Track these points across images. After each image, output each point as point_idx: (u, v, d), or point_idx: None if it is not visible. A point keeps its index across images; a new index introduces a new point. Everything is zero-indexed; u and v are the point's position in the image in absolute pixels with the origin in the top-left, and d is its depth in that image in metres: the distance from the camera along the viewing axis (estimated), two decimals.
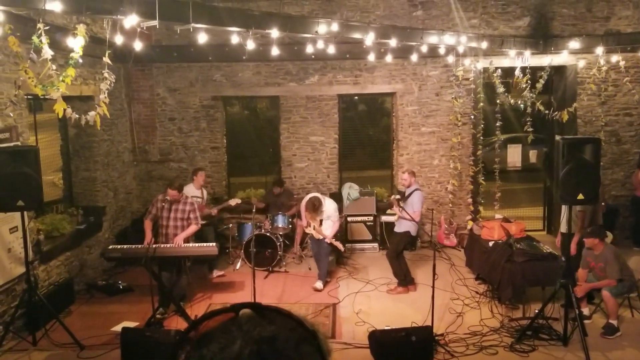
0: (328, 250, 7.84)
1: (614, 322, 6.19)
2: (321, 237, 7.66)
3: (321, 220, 7.76)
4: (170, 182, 7.33)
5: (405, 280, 7.60)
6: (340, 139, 10.00)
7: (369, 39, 7.35)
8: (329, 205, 7.82)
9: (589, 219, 7.02)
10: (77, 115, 5.66)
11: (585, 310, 6.54)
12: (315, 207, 7.57)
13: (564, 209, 6.36)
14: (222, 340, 0.78)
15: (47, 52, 4.93)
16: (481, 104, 9.73)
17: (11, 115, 6.16)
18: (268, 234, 8.38)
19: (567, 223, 6.06)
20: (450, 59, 9.28)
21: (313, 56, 8.55)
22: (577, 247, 6.71)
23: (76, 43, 5.21)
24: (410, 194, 7.46)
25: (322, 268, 7.80)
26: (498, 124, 9.74)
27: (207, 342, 0.79)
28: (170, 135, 9.88)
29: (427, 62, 9.61)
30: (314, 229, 7.65)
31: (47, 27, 4.92)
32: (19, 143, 6.25)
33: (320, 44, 7.53)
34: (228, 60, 9.47)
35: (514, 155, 10.42)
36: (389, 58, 8.76)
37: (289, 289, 7.82)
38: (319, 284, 7.72)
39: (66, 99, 5.54)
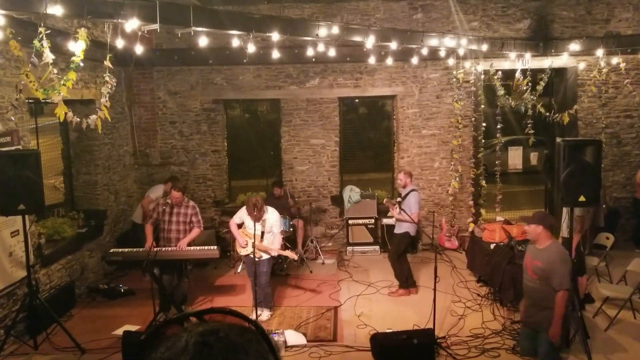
0: (269, 272, 6.89)
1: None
2: (261, 257, 6.68)
3: (262, 235, 6.73)
4: (174, 183, 7.28)
5: (406, 282, 7.60)
6: (341, 141, 10.01)
7: (370, 42, 7.36)
8: (272, 214, 6.82)
9: (590, 220, 7.01)
10: (78, 119, 5.66)
11: None
12: (256, 206, 6.46)
13: (565, 212, 6.34)
14: (168, 343, 0.82)
15: (48, 56, 4.94)
16: (482, 106, 9.74)
17: (12, 119, 6.17)
18: None
19: (567, 227, 6.04)
20: (451, 61, 9.29)
21: (314, 59, 8.57)
22: (575, 251, 6.68)
23: (77, 47, 5.22)
24: (406, 195, 7.46)
25: (265, 295, 6.83)
26: (499, 126, 9.73)
27: (154, 349, 0.83)
28: (171, 138, 9.89)
29: (428, 65, 9.62)
30: (253, 246, 6.48)
31: (48, 31, 4.93)
32: (20, 147, 6.26)
33: (320, 47, 7.54)
34: (229, 64, 9.49)
35: (514, 158, 10.43)
36: (389, 61, 8.77)
37: (290, 292, 7.81)
38: (266, 314, 6.83)
39: (67, 102, 5.55)
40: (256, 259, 6.56)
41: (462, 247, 9.52)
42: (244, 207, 6.82)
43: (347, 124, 10.27)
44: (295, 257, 7.43)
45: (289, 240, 8.95)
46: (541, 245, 4.97)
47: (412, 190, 7.52)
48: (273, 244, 6.79)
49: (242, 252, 6.91)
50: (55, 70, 5.10)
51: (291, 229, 8.79)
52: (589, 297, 7.02)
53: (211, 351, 0.78)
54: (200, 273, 8.49)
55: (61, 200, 8.29)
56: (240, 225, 7.00)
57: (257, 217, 6.51)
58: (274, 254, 6.88)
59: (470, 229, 9.30)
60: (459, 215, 9.98)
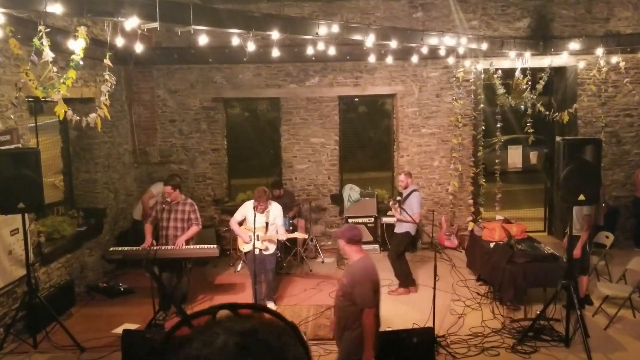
0: (274, 265, 7.06)
1: None
2: (267, 250, 6.80)
3: (267, 226, 6.82)
4: (166, 179, 7.28)
5: (406, 281, 7.60)
6: (340, 140, 10.00)
7: (369, 40, 7.35)
8: (275, 206, 6.95)
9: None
10: (77, 118, 5.66)
11: None
12: (265, 193, 6.67)
13: (575, 211, 6.33)
14: (204, 337, 0.79)
15: (48, 55, 4.93)
16: (481, 105, 9.74)
17: (12, 117, 6.17)
18: None
19: (573, 224, 6.03)
20: (451, 60, 9.29)
21: (313, 58, 8.56)
22: (581, 250, 6.68)
23: (77, 45, 5.21)
24: (408, 195, 7.46)
25: (271, 288, 7.09)
26: (498, 125, 9.74)
27: (188, 343, 0.79)
28: (170, 137, 9.88)
29: (428, 64, 9.61)
30: (258, 238, 6.58)
31: (48, 30, 4.92)
32: (19, 145, 6.26)
33: (320, 46, 7.54)
34: (228, 62, 9.48)
35: (514, 157, 10.43)
36: (389, 60, 8.77)
37: (290, 291, 7.81)
38: (271, 305, 6.91)
39: (67, 101, 5.54)
40: (263, 253, 6.66)
41: (461, 246, 9.53)
42: (245, 204, 6.93)
43: (347, 123, 10.27)
44: (306, 236, 7.63)
45: (288, 239, 8.94)
46: (351, 260, 4.63)
47: (414, 190, 7.51)
48: (278, 232, 6.92)
49: (246, 248, 6.86)
50: (55, 69, 5.09)
51: (291, 228, 8.78)
52: (588, 298, 7.01)
53: (249, 353, 0.77)
54: (200, 271, 8.49)
55: (61, 199, 8.29)
56: (241, 223, 7.00)
57: (263, 207, 6.63)
58: (283, 238, 7.04)
59: (469, 228, 9.30)
60: (459, 214, 9.98)
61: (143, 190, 9.00)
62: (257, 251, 6.60)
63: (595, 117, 9.70)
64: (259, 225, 6.64)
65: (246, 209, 6.85)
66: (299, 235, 7.59)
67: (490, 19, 9.53)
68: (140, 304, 7.09)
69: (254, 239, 6.57)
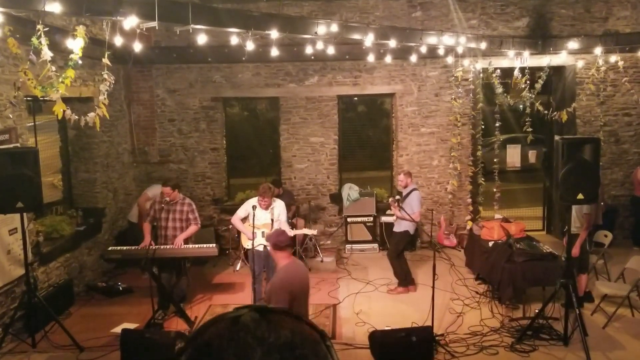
0: None
1: None
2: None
3: (272, 223, 6.82)
4: (164, 180, 7.27)
5: (405, 280, 7.60)
6: (340, 139, 10.01)
7: (369, 39, 7.35)
8: (279, 203, 6.94)
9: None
10: (76, 117, 5.65)
11: None
12: (270, 189, 6.69)
13: (574, 209, 6.34)
14: (236, 348, 0.72)
15: (47, 54, 4.93)
16: (480, 104, 9.75)
17: (11, 116, 6.16)
18: None
19: (573, 222, 6.03)
20: (450, 59, 9.29)
21: (312, 57, 8.56)
22: (582, 248, 6.68)
23: (76, 44, 5.20)
24: (408, 194, 7.46)
25: None
26: (497, 124, 9.75)
27: (217, 350, 0.73)
28: (169, 136, 9.88)
29: (427, 63, 9.62)
30: (263, 235, 6.58)
31: (46, 29, 4.92)
32: (18, 144, 6.25)
33: (319, 45, 7.53)
34: (227, 62, 9.47)
35: (513, 156, 10.43)
36: (388, 59, 8.77)
37: None
38: None
39: (65, 100, 5.54)
40: (268, 249, 6.61)
41: (460, 245, 9.54)
42: (249, 200, 6.93)
43: (346, 122, 10.27)
44: (315, 232, 7.71)
45: None
46: (278, 267, 4.64)
47: (414, 189, 7.52)
48: (284, 228, 6.82)
49: (249, 244, 6.77)
50: (53, 68, 5.08)
51: (291, 228, 8.79)
52: (590, 295, 7.00)
53: None
54: (199, 271, 8.49)
55: (59, 198, 8.28)
56: (243, 220, 6.99)
57: (268, 203, 6.64)
58: (291, 234, 6.93)
59: (468, 227, 9.31)
60: (458, 213, 9.99)
61: (142, 190, 8.99)
62: (261, 247, 6.59)
63: (594, 116, 9.71)
64: (265, 222, 6.66)
65: (250, 205, 6.83)
66: (308, 231, 7.62)
67: (489, 18, 9.54)
68: (139, 304, 7.09)
69: (260, 235, 6.55)
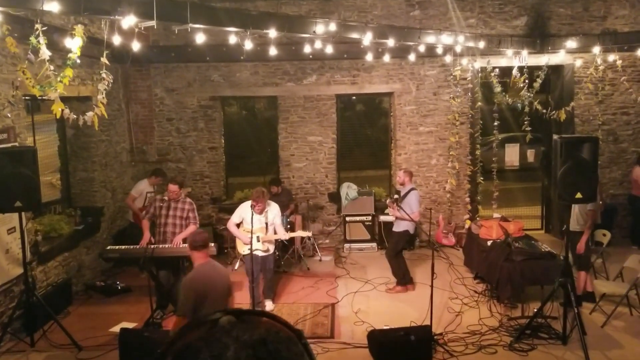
0: (273, 263, 7.17)
1: None
2: (268, 251, 6.82)
3: (266, 226, 6.84)
4: (172, 177, 7.26)
5: (404, 279, 7.61)
6: (338, 138, 10.01)
7: (367, 38, 7.35)
8: (273, 206, 6.92)
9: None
10: (74, 116, 5.65)
11: None
12: (264, 193, 6.66)
13: (574, 206, 6.35)
14: (212, 348, 0.75)
15: (45, 53, 4.92)
16: (479, 103, 9.75)
17: (9, 116, 6.15)
18: None
19: (576, 220, 6.03)
20: (448, 58, 9.29)
21: (311, 56, 8.56)
22: (585, 245, 6.69)
23: (74, 43, 5.20)
24: (406, 194, 7.46)
25: (270, 286, 7.14)
26: (496, 123, 9.76)
27: (194, 351, 0.75)
28: (168, 135, 9.87)
29: (425, 62, 9.62)
30: (258, 239, 6.61)
31: (44, 28, 4.91)
32: (16, 144, 6.24)
33: (318, 44, 7.53)
34: (226, 61, 9.46)
35: (511, 155, 10.44)
36: (386, 58, 8.77)
37: (287, 289, 7.82)
38: (270, 305, 7.07)
39: (64, 99, 5.52)
40: (264, 254, 6.70)
41: (459, 244, 9.54)
42: (242, 205, 6.90)
43: (345, 121, 10.27)
44: (309, 234, 7.73)
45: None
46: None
47: (412, 189, 7.51)
48: (278, 232, 6.87)
49: (245, 249, 6.77)
50: (51, 67, 5.08)
51: (289, 226, 8.79)
52: (591, 295, 6.95)
53: None
54: None
55: (58, 197, 8.28)
56: (238, 225, 6.98)
57: (262, 207, 6.62)
58: (285, 237, 7.05)
59: (467, 226, 9.32)
60: (456, 212, 10.00)
61: None
62: (259, 253, 6.63)
63: (593, 115, 9.73)
64: (259, 226, 6.66)
65: (243, 210, 6.81)
66: (302, 233, 7.65)
67: (488, 17, 9.54)
68: (138, 303, 7.09)
69: (252, 240, 6.48)
